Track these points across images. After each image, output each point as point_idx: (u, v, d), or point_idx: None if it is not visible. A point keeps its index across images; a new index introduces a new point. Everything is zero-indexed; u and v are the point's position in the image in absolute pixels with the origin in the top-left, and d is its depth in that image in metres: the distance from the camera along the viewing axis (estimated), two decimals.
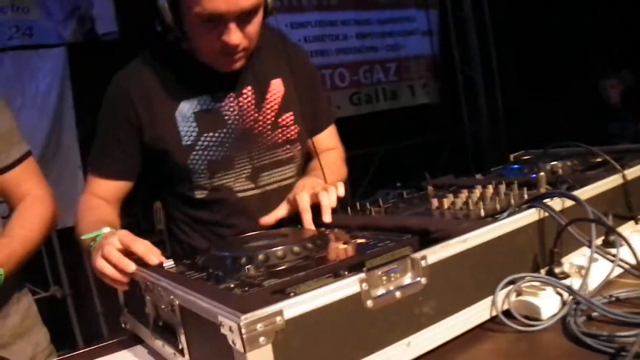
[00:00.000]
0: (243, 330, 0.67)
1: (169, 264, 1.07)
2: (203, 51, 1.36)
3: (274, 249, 0.99)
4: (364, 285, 0.76)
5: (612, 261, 0.96)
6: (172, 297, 0.85)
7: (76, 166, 4.42)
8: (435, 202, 1.29)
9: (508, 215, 1.02)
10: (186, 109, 1.42)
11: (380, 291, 0.79)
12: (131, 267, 1.07)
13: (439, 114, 7.20)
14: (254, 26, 1.32)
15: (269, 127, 1.51)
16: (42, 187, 1.45)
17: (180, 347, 0.87)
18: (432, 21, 7.23)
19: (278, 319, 0.69)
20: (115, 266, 1.08)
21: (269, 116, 1.51)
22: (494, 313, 0.93)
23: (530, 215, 1.00)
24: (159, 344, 0.98)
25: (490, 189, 1.32)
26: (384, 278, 0.80)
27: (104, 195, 1.46)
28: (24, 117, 3.87)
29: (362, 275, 0.77)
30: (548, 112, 6.26)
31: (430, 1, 7.18)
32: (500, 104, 7.46)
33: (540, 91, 6.40)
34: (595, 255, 0.96)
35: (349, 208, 1.36)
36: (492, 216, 1.11)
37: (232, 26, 1.26)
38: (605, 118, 5.19)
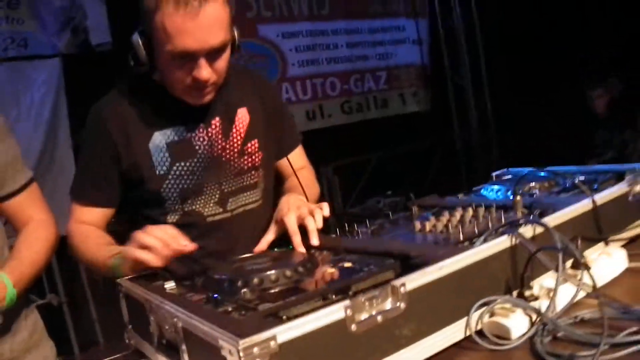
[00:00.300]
0: (241, 354, 0.75)
1: (170, 285, 1.16)
2: (174, 85, 1.45)
3: (268, 272, 1.08)
4: (349, 311, 0.85)
5: (576, 285, 1.05)
6: (175, 319, 0.94)
7: (71, 175, 4.45)
8: (418, 225, 1.38)
9: (483, 242, 1.11)
10: (159, 139, 1.52)
11: (364, 316, 0.87)
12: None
13: (430, 121, 7.29)
14: (222, 62, 1.42)
15: (236, 154, 1.60)
16: (45, 211, 1.54)
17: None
18: (421, 30, 7.32)
19: (272, 343, 0.78)
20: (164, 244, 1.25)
21: (235, 144, 1.60)
22: (468, 333, 1.01)
23: (503, 242, 1.08)
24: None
25: (469, 212, 1.41)
26: (367, 303, 0.88)
27: (91, 222, 1.57)
28: (20, 128, 3.95)
29: (347, 302, 0.86)
30: (537, 117, 6.37)
31: (420, 11, 7.28)
32: (489, 110, 7.56)
33: (530, 97, 6.50)
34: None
35: (337, 230, 1.45)
36: (470, 240, 1.21)
37: (202, 62, 1.36)
38: (592, 126, 5.29)
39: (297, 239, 1.35)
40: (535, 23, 6.29)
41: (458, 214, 1.42)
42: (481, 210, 1.41)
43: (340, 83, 6.59)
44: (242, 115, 1.62)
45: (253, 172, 1.64)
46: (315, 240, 1.33)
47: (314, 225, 1.35)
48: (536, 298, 1.07)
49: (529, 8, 6.25)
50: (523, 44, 6.42)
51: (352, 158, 6.30)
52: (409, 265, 1.07)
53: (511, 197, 1.55)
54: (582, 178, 1.64)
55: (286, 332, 0.80)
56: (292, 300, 0.96)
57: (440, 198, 1.74)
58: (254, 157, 1.64)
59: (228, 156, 1.60)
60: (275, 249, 1.41)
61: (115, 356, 1.26)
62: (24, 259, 1.41)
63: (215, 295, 1.04)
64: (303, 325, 0.81)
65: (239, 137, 1.61)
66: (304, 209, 1.40)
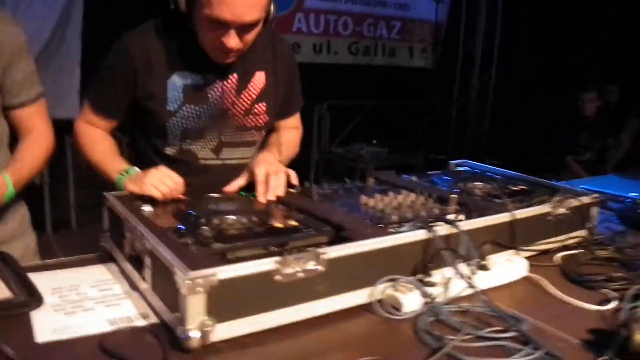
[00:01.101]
0: (187, 281, 1.00)
1: (147, 208, 1.40)
2: (203, 41, 1.60)
3: (227, 217, 1.32)
4: (277, 265, 1.10)
5: (467, 282, 1.31)
6: (145, 242, 1.18)
7: (76, 62, 4.63)
8: (364, 199, 1.62)
9: (405, 230, 1.36)
10: (177, 80, 1.68)
11: (289, 270, 1.12)
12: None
13: (432, 80, 7.40)
14: (251, 35, 1.59)
15: (243, 111, 1.79)
16: (47, 124, 1.72)
17: (144, 276, 1.21)
18: None
19: (213, 278, 1.03)
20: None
21: (245, 102, 1.79)
22: (371, 299, 1.26)
23: (419, 235, 1.33)
24: (129, 268, 1.32)
25: (411, 197, 1.64)
26: (294, 261, 1.13)
27: (97, 126, 1.78)
28: (33, 12, 4.06)
29: (278, 258, 1.10)
30: (534, 106, 6.54)
31: None
32: (492, 85, 7.67)
33: (533, 85, 6.63)
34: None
35: (300, 188, 1.69)
36: (400, 223, 1.44)
37: (232, 33, 1.52)
38: (579, 126, 5.48)
39: (261, 187, 1.59)
40: (560, 18, 6.34)
41: (401, 197, 1.65)
42: (421, 198, 1.64)
43: (353, 24, 6.68)
44: (259, 78, 1.80)
45: (254, 132, 1.85)
46: (271, 196, 1.56)
47: (277, 183, 1.58)
48: (433, 284, 1.32)
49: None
50: (543, 33, 6.48)
51: (348, 100, 6.44)
52: (340, 235, 1.31)
53: (456, 190, 1.79)
54: (520, 188, 1.88)
55: (225, 272, 1.05)
56: (239, 244, 1.20)
57: (396, 176, 1.98)
58: (259, 118, 1.83)
59: (235, 111, 1.78)
60: (243, 193, 1.64)
61: (90, 255, 1.48)
62: (25, 163, 1.64)
63: (181, 227, 1.28)
64: (240, 270, 1.06)
65: (250, 97, 1.79)
66: (273, 167, 1.63)
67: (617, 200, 2.20)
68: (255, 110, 1.83)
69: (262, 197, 1.57)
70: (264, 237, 1.26)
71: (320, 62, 6.38)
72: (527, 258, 1.53)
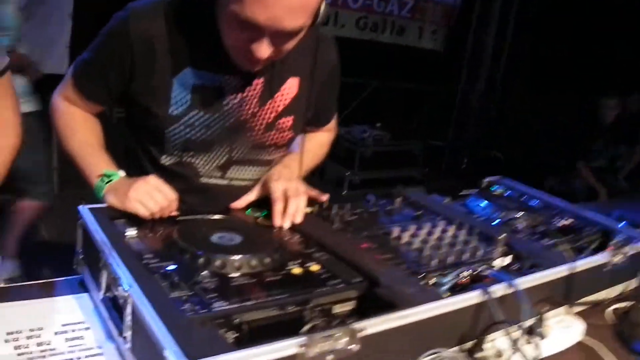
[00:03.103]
0: None
1: (131, 233, 1.12)
2: (226, 41, 1.23)
3: (232, 257, 1.04)
4: (302, 349, 0.83)
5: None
6: (126, 294, 0.90)
7: (66, 14, 4.29)
8: (395, 232, 1.35)
9: (450, 286, 1.10)
10: (187, 77, 1.31)
11: (315, 352, 0.85)
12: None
13: (439, 63, 7.16)
14: (289, 45, 1.21)
15: (264, 126, 1.44)
16: (12, 109, 1.37)
17: (124, 334, 0.93)
18: None
19: None
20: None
21: (268, 115, 1.43)
22: None
23: (472, 299, 1.06)
24: (105, 314, 1.04)
25: (450, 232, 1.38)
26: (322, 340, 0.86)
27: (77, 105, 1.43)
28: None
29: (303, 340, 0.83)
30: (544, 104, 6.29)
31: None
32: (500, 75, 7.44)
33: (544, 80, 6.39)
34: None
35: (317, 207, 1.41)
36: (442, 271, 1.18)
37: (265, 41, 1.15)
38: (594, 131, 5.26)
39: (279, 207, 1.31)
40: (581, 14, 6.07)
41: (438, 231, 1.39)
42: (462, 234, 1.38)
43: None
44: (290, 87, 1.43)
45: (272, 150, 1.50)
46: (287, 224, 1.29)
47: (295, 208, 1.30)
48: None
49: None
50: (561, 28, 6.22)
51: (350, 77, 6.16)
52: (372, 293, 1.04)
53: (495, 224, 1.53)
54: (568, 222, 1.62)
55: None
56: (248, 305, 0.93)
57: (427, 197, 1.71)
58: (282, 135, 1.48)
59: (255, 125, 1.42)
60: (250, 210, 1.37)
61: (60, 279, 1.21)
62: None
63: (173, 268, 1.01)
64: (253, 358, 0.79)
65: (275, 109, 1.43)
66: (293, 186, 1.35)
67: None
68: (280, 126, 1.46)
69: (279, 218, 1.30)
70: (280, 289, 0.99)
71: (324, 33, 6.07)
72: (578, 314, 1.32)
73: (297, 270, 1.08)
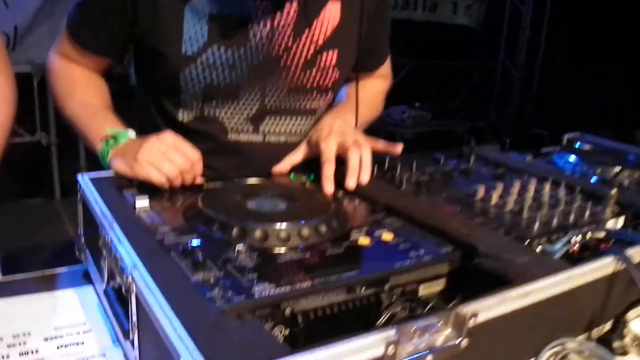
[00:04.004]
0: None
1: (142, 203, 0.85)
2: None
3: (277, 225, 0.76)
4: (391, 348, 0.54)
5: None
6: (130, 280, 0.63)
7: None
8: (481, 191, 1.06)
9: (565, 247, 0.81)
10: (202, 4, 1.05)
11: (407, 353, 0.57)
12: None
13: (476, 39, 6.84)
14: None
15: (302, 63, 1.15)
16: (7, 79, 1.13)
17: (130, 336, 0.66)
18: None
19: None
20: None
21: (307, 49, 1.14)
22: None
23: (607, 266, 0.77)
24: (109, 310, 0.78)
25: (546, 192, 1.09)
26: (417, 335, 0.58)
27: (80, 64, 1.17)
28: None
29: (392, 334, 0.55)
30: (588, 76, 5.89)
31: None
32: (542, 47, 7.06)
33: (588, 55, 6.00)
34: None
35: (376, 169, 1.13)
36: (549, 237, 0.90)
37: None
38: None
39: (329, 169, 1.03)
40: None
41: (532, 188, 1.10)
42: (561, 194, 1.08)
43: None
44: (332, 13, 1.15)
45: (315, 95, 1.21)
46: (352, 183, 1.01)
47: (357, 163, 1.02)
48: (625, 352, 0.77)
49: None
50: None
51: None
52: (471, 266, 0.76)
53: (594, 180, 1.24)
54: None
55: None
56: (303, 287, 0.65)
57: (503, 153, 1.42)
58: (325, 74, 1.18)
59: (291, 62, 1.14)
60: (293, 175, 1.09)
61: (63, 270, 0.95)
62: None
63: (197, 243, 0.73)
64: None
65: (314, 40, 1.15)
66: (349, 138, 1.07)
67: None
68: (322, 63, 1.17)
69: (329, 184, 1.01)
70: (344, 266, 0.71)
71: None
72: None
73: (364, 240, 0.79)
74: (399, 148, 1.14)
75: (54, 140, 3.91)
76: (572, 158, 1.45)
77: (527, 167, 1.29)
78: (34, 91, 3.54)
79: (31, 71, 3.42)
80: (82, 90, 1.15)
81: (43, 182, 3.94)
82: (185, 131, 1.10)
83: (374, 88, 1.36)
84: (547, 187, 1.13)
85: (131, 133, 1.04)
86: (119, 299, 0.71)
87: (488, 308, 0.63)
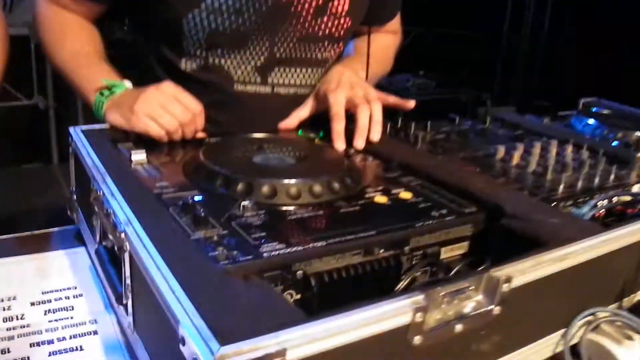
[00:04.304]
0: None
1: (138, 157, 0.78)
2: None
3: (286, 181, 0.70)
4: (419, 315, 0.48)
5: None
6: (122, 236, 0.56)
7: None
8: (501, 151, 0.99)
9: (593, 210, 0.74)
10: None
11: (436, 321, 0.51)
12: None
13: (483, 8, 6.70)
14: None
15: (313, 10, 1.07)
16: None
17: (124, 302, 0.60)
18: None
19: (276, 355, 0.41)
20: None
21: None
22: (559, 349, 0.67)
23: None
24: (101, 273, 0.71)
25: (569, 154, 1.03)
26: (446, 301, 0.51)
27: (72, 10, 1.09)
28: None
29: (420, 298, 0.48)
30: (594, 49, 5.77)
31: None
32: (547, 18, 6.92)
33: (594, 26, 5.85)
34: None
35: (388, 127, 1.06)
36: (574, 200, 0.84)
37: None
38: None
39: (339, 125, 0.96)
40: None
41: (553, 150, 1.03)
42: (584, 156, 1.02)
43: None
44: None
45: (327, 45, 1.13)
46: (360, 142, 0.94)
47: (366, 120, 0.95)
48: None
49: None
50: None
51: None
52: (498, 226, 0.69)
53: (616, 144, 1.18)
54: None
55: (303, 344, 0.42)
56: (317, 247, 0.58)
57: (519, 115, 1.34)
58: (337, 22, 1.10)
59: (301, 8, 1.06)
60: (301, 132, 1.02)
61: (53, 229, 0.89)
62: None
63: (199, 198, 0.66)
64: (335, 335, 0.44)
65: None
66: (359, 91, 0.99)
67: None
68: (334, 10, 1.08)
69: (340, 141, 0.94)
70: (360, 225, 0.64)
71: None
72: None
73: (381, 198, 0.72)
74: (411, 103, 1.07)
75: (52, 103, 3.83)
76: (591, 121, 1.38)
77: (546, 129, 1.22)
78: (31, 54, 3.45)
79: (28, 33, 3.33)
80: (73, 38, 1.06)
81: (41, 146, 3.86)
82: (188, 82, 1.03)
83: (384, 42, 1.29)
84: (569, 149, 1.07)
85: (127, 83, 0.96)
86: (111, 260, 0.65)
87: (521, 272, 0.56)
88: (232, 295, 0.47)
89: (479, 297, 0.54)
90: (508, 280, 0.54)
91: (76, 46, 1.05)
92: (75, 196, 0.87)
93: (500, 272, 0.54)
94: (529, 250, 0.60)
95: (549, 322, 0.65)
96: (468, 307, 0.53)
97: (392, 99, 1.05)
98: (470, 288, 0.53)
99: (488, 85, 6.99)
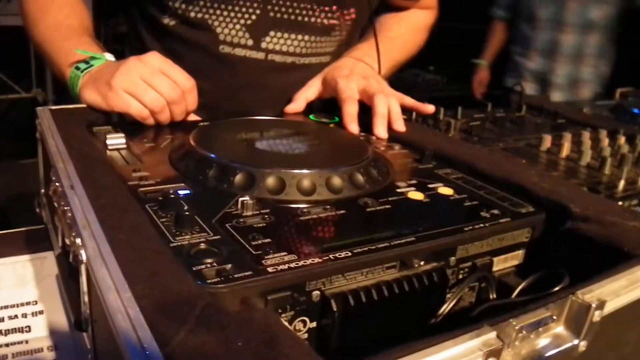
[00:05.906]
0: None
1: (115, 141, 0.63)
2: None
3: (296, 171, 0.55)
4: (492, 349, 0.34)
5: None
6: (78, 242, 0.42)
7: None
8: (547, 141, 0.84)
9: None
10: None
11: (514, 354, 0.36)
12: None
13: (492, 2, 6.56)
14: None
15: None
16: None
17: (84, 327, 0.45)
18: None
19: None
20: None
21: None
22: None
23: None
24: (62, 285, 0.57)
25: (622, 142, 0.89)
26: (520, 336, 0.37)
27: None
28: None
29: (492, 337, 0.34)
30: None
31: None
32: None
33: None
34: None
35: (413, 114, 0.92)
36: (638, 197, 0.70)
37: None
38: None
39: (351, 107, 0.82)
40: None
41: (604, 142, 0.89)
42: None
43: None
44: None
45: (335, 9, 0.96)
46: (382, 131, 0.79)
47: (385, 108, 0.81)
48: None
49: None
50: None
51: None
52: (564, 230, 0.55)
53: None
54: None
55: None
56: (338, 257, 0.44)
57: (556, 103, 1.20)
58: None
59: None
60: (313, 117, 0.88)
61: (22, 229, 0.74)
62: None
63: (185, 192, 0.52)
64: None
65: None
66: (373, 82, 0.85)
67: None
68: None
69: (353, 123, 0.81)
70: (394, 228, 0.49)
71: None
72: None
73: (416, 194, 0.58)
74: (430, 108, 0.91)
75: (51, 97, 3.72)
76: (637, 110, 1.24)
77: (589, 119, 1.08)
78: (29, 46, 3.35)
79: None
80: (57, 9, 0.91)
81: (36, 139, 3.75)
82: (171, 40, 0.91)
83: (416, 21, 1.12)
84: (622, 139, 0.93)
85: (109, 56, 0.81)
86: (72, 272, 0.51)
87: (615, 294, 0.42)
88: (223, 332, 0.32)
89: (559, 329, 0.40)
90: (601, 306, 0.39)
91: (59, 17, 0.90)
92: (43, 190, 0.72)
93: (590, 295, 0.40)
94: (608, 262, 0.46)
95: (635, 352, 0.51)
96: (546, 343, 0.39)
97: (409, 101, 0.90)
98: (552, 318, 0.38)
99: (500, 81, 6.84)
